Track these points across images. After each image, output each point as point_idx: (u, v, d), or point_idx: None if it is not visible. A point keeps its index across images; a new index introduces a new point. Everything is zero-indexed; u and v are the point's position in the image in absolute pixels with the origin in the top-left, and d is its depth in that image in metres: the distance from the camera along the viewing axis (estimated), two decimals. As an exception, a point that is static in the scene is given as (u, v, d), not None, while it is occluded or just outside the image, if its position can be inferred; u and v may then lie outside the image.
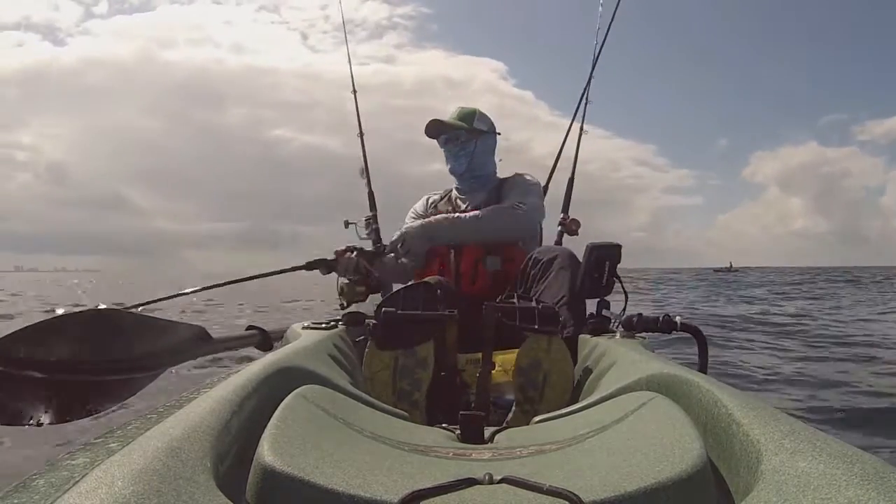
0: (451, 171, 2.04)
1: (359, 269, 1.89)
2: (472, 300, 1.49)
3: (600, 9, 2.74)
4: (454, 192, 2.11)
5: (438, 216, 1.91)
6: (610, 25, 2.68)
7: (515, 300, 1.31)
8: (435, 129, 2.01)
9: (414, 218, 2.09)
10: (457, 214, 1.90)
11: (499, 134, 2.10)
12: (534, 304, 1.29)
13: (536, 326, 1.24)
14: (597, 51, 2.69)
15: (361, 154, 2.49)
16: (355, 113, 2.54)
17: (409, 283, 1.41)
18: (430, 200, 2.15)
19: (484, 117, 2.03)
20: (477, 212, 1.87)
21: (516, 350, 1.26)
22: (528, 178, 2.07)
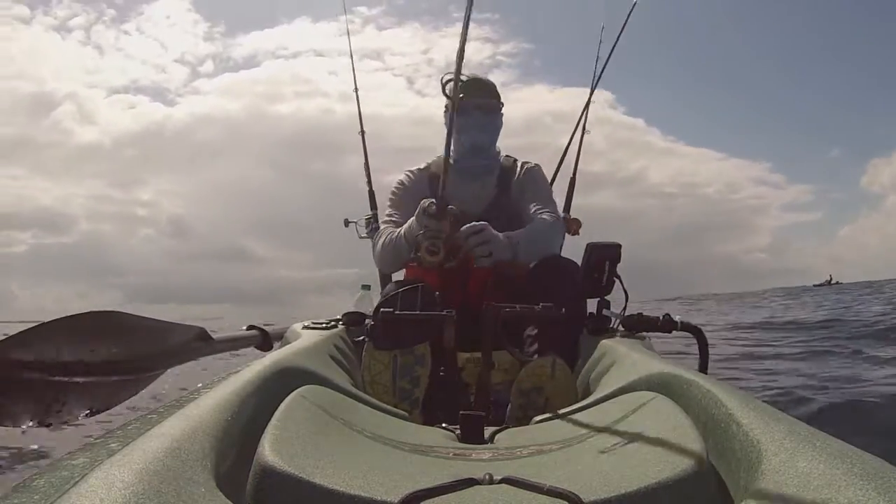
0: (472, 145, 1.78)
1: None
2: (469, 301, 1.48)
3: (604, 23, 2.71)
4: (450, 175, 1.70)
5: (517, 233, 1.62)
6: (621, 32, 2.64)
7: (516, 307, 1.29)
8: (472, 89, 1.72)
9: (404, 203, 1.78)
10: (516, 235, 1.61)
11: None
12: (536, 308, 1.29)
13: (538, 307, 1.21)
14: (600, 52, 2.66)
15: (363, 152, 2.49)
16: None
17: (408, 286, 1.40)
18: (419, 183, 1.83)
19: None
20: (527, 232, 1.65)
21: (516, 350, 1.26)
22: (541, 172, 1.88)
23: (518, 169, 1.84)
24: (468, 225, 1.48)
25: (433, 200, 1.44)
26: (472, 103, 1.74)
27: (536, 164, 1.90)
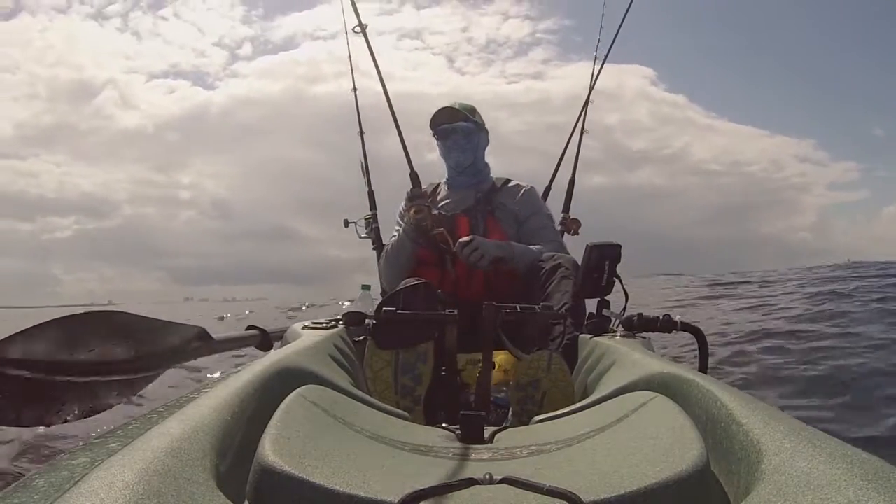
0: (456, 164, 2.02)
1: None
2: (468, 301, 1.48)
3: (603, 13, 2.74)
4: (443, 188, 2.07)
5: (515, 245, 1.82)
6: (619, 30, 2.67)
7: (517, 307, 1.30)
8: (446, 116, 1.99)
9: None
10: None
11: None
12: (536, 308, 1.29)
13: (538, 307, 1.23)
14: (599, 51, 2.70)
15: (362, 152, 2.52)
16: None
17: (410, 284, 1.41)
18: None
19: (480, 115, 2.05)
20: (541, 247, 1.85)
21: (516, 350, 1.26)
22: (536, 194, 2.07)
23: (511, 188, 2.03)
24: (460, 241, 1.73)
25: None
26: (450, 129, 1.99)
27: (532, 187, 2.08)
